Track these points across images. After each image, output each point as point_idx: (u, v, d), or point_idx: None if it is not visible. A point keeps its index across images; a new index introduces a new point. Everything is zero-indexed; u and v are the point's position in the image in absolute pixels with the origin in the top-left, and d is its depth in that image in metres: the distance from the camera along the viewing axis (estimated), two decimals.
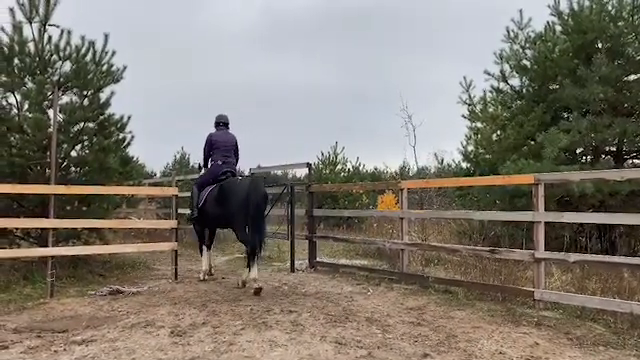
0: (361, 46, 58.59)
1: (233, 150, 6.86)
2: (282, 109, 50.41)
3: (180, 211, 7.36)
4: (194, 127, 36.38)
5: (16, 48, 6.36)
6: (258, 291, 5.58)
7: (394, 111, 26.72)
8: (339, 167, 16.66)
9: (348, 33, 64.40)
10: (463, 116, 9.25)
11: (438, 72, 42.96)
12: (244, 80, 55.71)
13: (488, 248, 5.74)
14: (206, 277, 6.64)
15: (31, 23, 6.46)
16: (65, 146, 6.65)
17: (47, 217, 5.59)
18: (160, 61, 51.58)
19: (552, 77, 7.89)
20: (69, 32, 6.68)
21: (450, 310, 4.78)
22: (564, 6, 7.96)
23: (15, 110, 6.50)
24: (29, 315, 4.58)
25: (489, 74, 8.70)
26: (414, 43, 53.00)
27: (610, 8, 7.48)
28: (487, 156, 8.50)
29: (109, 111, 7.06)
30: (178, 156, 18.74)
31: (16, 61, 6.43)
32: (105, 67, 7.00)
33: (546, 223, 5.02)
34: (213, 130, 6.94)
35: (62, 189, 5.76)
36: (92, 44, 6.84)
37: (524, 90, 8.53)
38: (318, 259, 7.75)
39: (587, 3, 7.67)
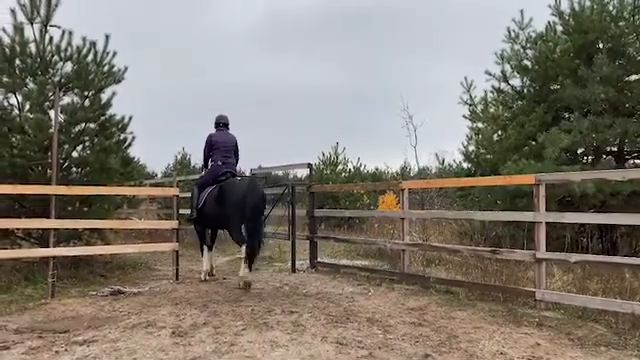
0: (361, 46, 58.61)
1: (233, 151, 6.88)
2: (282, 109, 50.47)
3: (181, 211, 7.37)
4: (194, 127, 36.39)
5: (17, 49, 6.37)
6: (247, 285, 5.86)
7: (394, 111, 26.81)
8: (340, 167, 16.65)
9: (348, 33, 64.37)
10: (464, 116, 9.23)
11: (438, 72, 42.97)
12: (244, 80, 55.75)
13: (489, 248, 5.74)
14: (207, 277, 6.64)
15: (32, 24, 6.47)
16: (66, 147, 6.66)
17: (48, 218, 5.59)
18: (160, 61, 51.63)
19: (553, 77, 7.88)
20: (70, 33, 6.70)
21: (451, 310, 4.77)
22: (565, 6, 7.96)
23: (16, 111, 6.50)
24: (30, 316, 4.59)
25: (490, 74, 8.69)
26: (414, 43, 52.98)
27: (611, 8, 7.47)
28: (488, 156, 8.49)
29: (110, 112, 7.07)
30: (179, 156, 18.74)
31: (17, 62, 6.43)
32: (106, 68, 7.02)
33: (547, 223, 5.01)
34: (213, 131, 6.96)
35: (63, 190, 5.77)
36: (93, 45, 6.85)
37: (525, 90, 8.52)
38: (319, 259, 7.75)
39: (588, 3, 7.66)
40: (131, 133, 7.32)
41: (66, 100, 6.78)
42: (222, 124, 6.95)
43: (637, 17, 7.19)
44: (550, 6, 8.14)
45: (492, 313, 4.65)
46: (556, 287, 5.27)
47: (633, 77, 7.35)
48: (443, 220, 9.58)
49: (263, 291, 5.81)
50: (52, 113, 6.18)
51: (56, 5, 6.51)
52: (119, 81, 7.14)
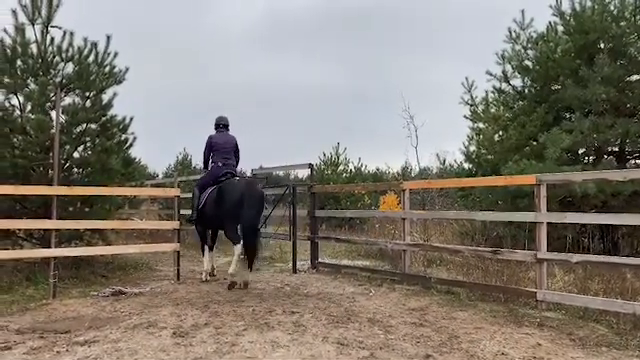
0: (361, 46, 58.68)
1: (233, 152, 6.90)
2: (282, 109, 50.49)
3: (182, 212, 7.37)
4: (195, 127, 36.45)
5: (19, 50, 6.39)
6: (231, 286, 5.91)
7: (395, 111, 26.86)
8: (341, 168, 16.67)
9: (348, 33, 64.46)
10: (465, 117, 9.24)
11: (439, 72, 43.01)
12: (244, 80, 55.81)
13: (490, 249, 5.73)
14: (208, 278, 6.64)
15: (34, 25, 6.48)
16: (68, 147, 6.67)
17: (50, 218, 5.60)
18: (160, 61, 51.69)
19: (554, 77, 7.88)
20: (71, 34, 6.71)
21: (452, 311, 4.77)
22: (566, 6, 7.97)
23: (18, 111, 6.51)
24: (32, 316, 4.59)
25: (491, 74, 8.70)
26: (414, 43, 53.04)
27: (612, 8, 7.47)
28: (489, 157, 8.49)
29: (111, 112, 7.08)
30: (180, 157, 18.76)
31: (19, 63, 6.44)
32: (107, 68, 7.03)
33: (548, 224, 5.01)
34: (213, 132, 6.97)
35: (65, 190, 5.78)
36: (94, 45, 6.87)
37: (526, 90, 8.52)
38: (320, 260, 7.75)
39: (589, 3, 7.66)
40: (132, 134, 7.35)
41: (67, 101, 6.79)
42: (222, 125, 6.97)
43: (638, 17, 7.19)
44: (551, 6, 8.15)
45: (493, 313, 4.65)
46: (557, 287, 5.27)
47: (634, 77, 7.35)
48: (444, 220, 9.58)
49: (264, 291, 5.82)
50: (53, 114, 6.19)
51: (57, 6, 6.52)
52: (120, 82, 7.16)
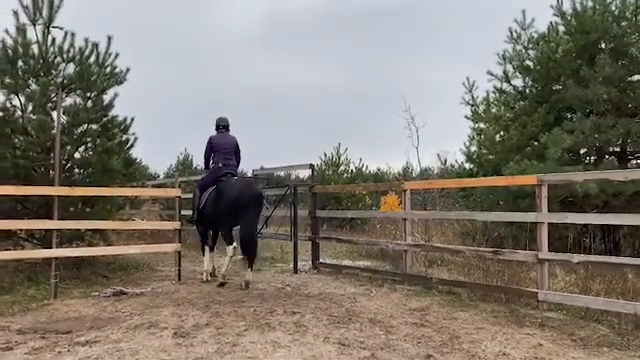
0: (361, 46, 58.63)
1: (234, 152, 6.90)
2: (283, 109, 50.44)
3: (183, 212, 7.38)
4: (195, 128, 36.43)
5: (20, 50, 6.40)
6: (221, 285, 6.07)
7: (396, 111, 26.84)
8: (342, 168, 16.66)
9: (348, 33, 64.38)
10: (466, 117, 9.22)
11: (439, 72, 42.98)
12: (244, 80, 55.77)
13: (491, 249, 5.73)
14: (209, 278, 6.65)
15: (35, 25, 6.49)
16: (69, 148, 6.68)
17: (51, 218, 5.60)
18: (160, 61, 51.70)
19: (555, 77, 7.87)
20: (73, 34, 6.73)
21: (453, 311, 4.77)
22: (567, 6, 7.96)
23: (19, 112, 6.52)
24: (33, 316, 4.60)
25: (492, 75, 8.69)
26: (414, 43, 53.00)
27: (613, 8, 7.46)
28: (490, 157, 8.48)
29: (112, 113, 7.10)
30: (181, 157, 18.77)
31: (20, 63, 6.45)
32: (108, 69, 7.04)
33: (549, 224, 5.01)
34: (214, 133, 6.98)
35: (66, 190, 5.79)
36: (95, 46, 6.88)
37: (527, 91, 8.51)
38: (321, 260, 7.75)
39: (590, 3, 7.65)
40: (133, 134, 7.36)
41: (68, 101, 6.80)
42: (222, 126, 6.98)
43: (639, 17, 7.18)
44: (552, 6, 8.14)
45: (494, 314, 4.64)
46: (558, 288, 5.26)
47: (636, 77, 7.35)
48: (445, 221, 9.57)
49: (265, 292, 5.82)
50: (55, 114, 6.20)
51: (58, 6, 6.54)
52: (121, 82, 7.17)
